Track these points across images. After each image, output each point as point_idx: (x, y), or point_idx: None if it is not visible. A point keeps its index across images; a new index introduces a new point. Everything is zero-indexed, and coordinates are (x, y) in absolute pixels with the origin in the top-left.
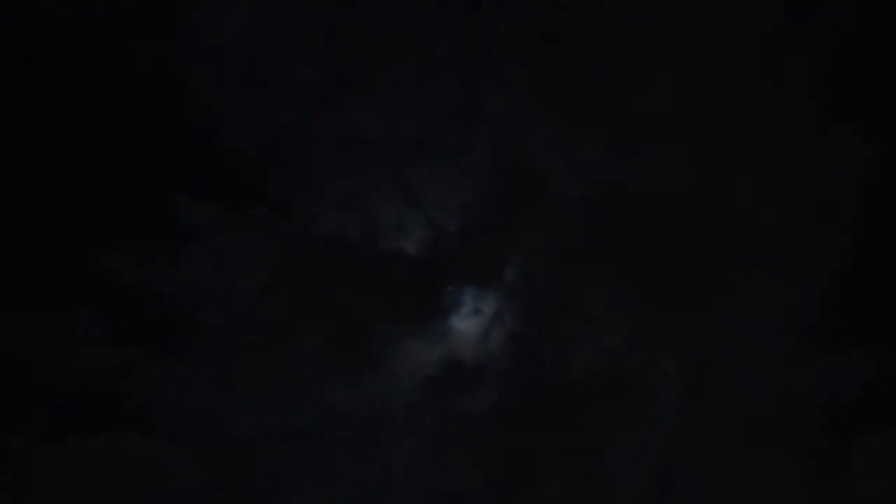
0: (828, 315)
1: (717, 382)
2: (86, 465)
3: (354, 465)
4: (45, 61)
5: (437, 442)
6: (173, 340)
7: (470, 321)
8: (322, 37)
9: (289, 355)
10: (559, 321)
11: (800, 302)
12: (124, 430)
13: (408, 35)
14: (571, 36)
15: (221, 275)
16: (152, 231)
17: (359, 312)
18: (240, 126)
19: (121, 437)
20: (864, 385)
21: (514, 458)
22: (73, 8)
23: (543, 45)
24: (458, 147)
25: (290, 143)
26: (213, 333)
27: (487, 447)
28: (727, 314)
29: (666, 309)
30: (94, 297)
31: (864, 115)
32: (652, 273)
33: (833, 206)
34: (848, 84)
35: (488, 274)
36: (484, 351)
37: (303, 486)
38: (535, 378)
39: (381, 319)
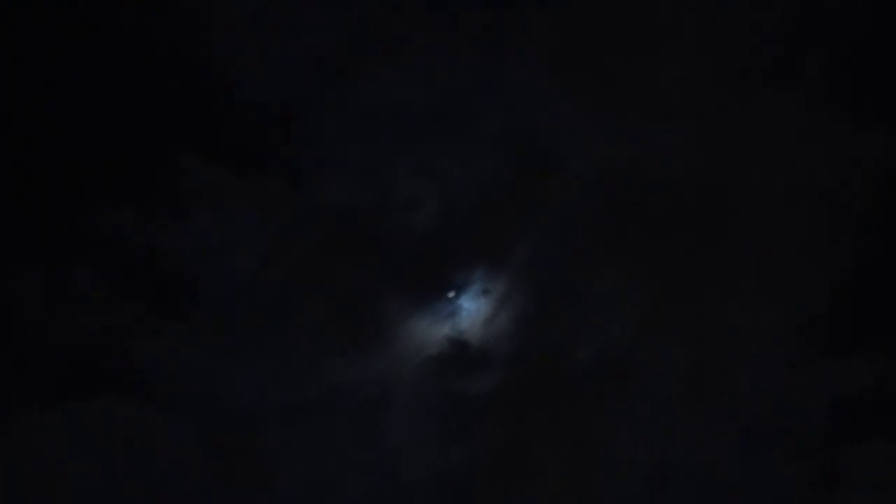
0: (831, 317)
1: (718, 378)
2: (80, 432)
3: (354, 442)
4: (54, 11)
5: (439, 422)
6: (173, 306)
7: (478, 301)
8: (340, 3)
9: (290, 327)
10: (566, 306)
11: (805, 302)
12: (121, 396)
13: (427, 6)
14: (589, 15)
15: (225, 240)
16: (156, 191)
17: (365, 286)
18: (252, 89)
19: (117, 403)
20: (863, 390)
21: (514, 442)
22: None
23: (561, 22)
24: (472, 122)
25: (304, 109)
26: (213, 300)
27: (488, 430)
28: (732, 308)
29: (672, 298)
30: (93, 257)
31: (879, 114)
32: (659, 261)
33: (843, 206)
34: (863, 80)
35: (498, 254)
36: (490, 333)
37: (300, 461)
38: (539, 362)
39: (387, 295)
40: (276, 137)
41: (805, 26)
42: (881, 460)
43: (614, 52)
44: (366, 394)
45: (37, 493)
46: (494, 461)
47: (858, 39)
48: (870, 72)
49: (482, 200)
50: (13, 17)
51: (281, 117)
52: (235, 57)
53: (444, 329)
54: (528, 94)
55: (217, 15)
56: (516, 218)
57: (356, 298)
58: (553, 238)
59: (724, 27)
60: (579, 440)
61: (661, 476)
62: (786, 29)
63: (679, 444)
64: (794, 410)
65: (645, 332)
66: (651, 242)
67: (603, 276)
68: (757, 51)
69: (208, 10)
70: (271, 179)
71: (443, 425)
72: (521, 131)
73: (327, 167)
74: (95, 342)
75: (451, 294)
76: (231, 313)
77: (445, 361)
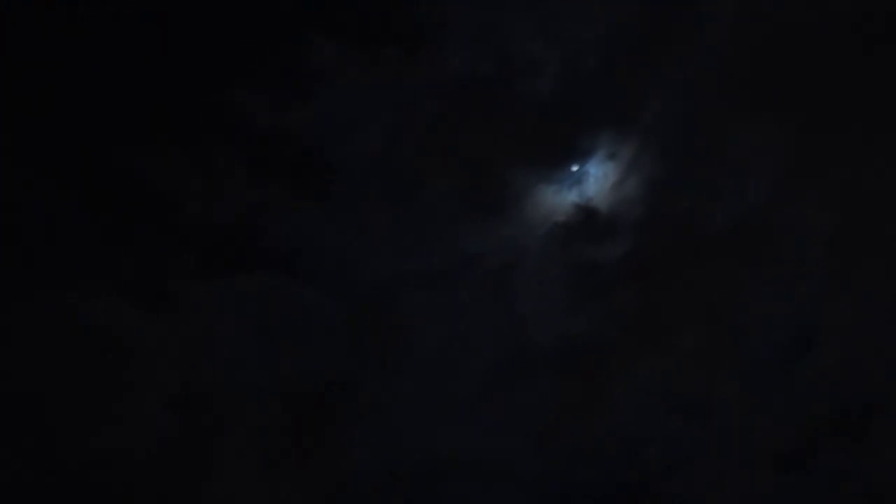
0: None
1: (861, 241)
2: (233, 301)
3: (485, 307)
4: None
5: (568, 288)
6: (308, 182)
7: (605, 166)
8: None
9: (420, 197)
10: (699, 168)
11: None
12: (267, 269)
13: None
14: None
15: (352, 116)
16: (284, 71)
17: (491, 155)
18: None
19: (264, 275)
20: None
21: (645, 307)
22: None
23: None
24: None
25: None
26: (346, 175)
27: (619, 295)
28: (875, 168)
29: (813, 159)
30: (230, 138)
31: None
32: (800, 119)
33: None
34: None
35: (625, 115)
36: (619, 198)
37: (433, 324)
38: (671, 228)
39: (513, 162)
40: (395, 8)
41: None
42: None
43: None
44: (496, 261)
45: (200, 355)
46: (625, 325)
47: None
48: None
49: (607, 59)
50: None
51: None
52: None
53: (571, 196)
54: None
55: None
56: (644, 76)
57: (482, 167)
58: (684, 96)
59: None
60: (714, 304)
61: (803, 339)
62: None
63: (820, 307)
64: None
65: (784, 194)
66: (791, 99)
67: (739, 136)
68: None
69: None
70: (392, 51)
71: (572, 291)
72: None
73: (446, 34)
74: (241, 220)
75: (576, 167)
76: (363, 187)
77: (573, 228)
